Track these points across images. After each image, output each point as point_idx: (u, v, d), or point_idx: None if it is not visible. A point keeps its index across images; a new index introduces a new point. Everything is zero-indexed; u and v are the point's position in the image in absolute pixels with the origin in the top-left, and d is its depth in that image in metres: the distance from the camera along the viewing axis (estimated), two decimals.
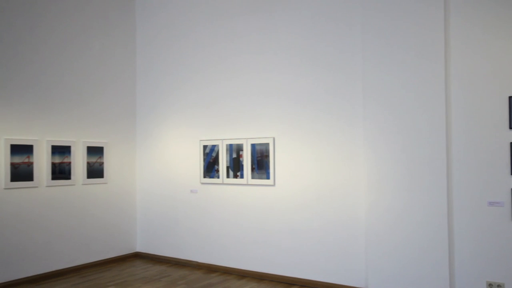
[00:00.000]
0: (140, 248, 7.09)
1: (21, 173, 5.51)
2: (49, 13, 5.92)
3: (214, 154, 6.09)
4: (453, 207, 4.17)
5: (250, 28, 5.81)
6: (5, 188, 5.35)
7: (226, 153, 5.95)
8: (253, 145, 5.68)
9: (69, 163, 6.09)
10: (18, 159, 5.47)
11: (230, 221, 5.95)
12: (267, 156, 5.56)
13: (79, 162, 6.24)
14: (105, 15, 6.70)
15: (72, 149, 6.13)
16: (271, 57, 5.60)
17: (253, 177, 5.69)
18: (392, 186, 4.45)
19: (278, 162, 5.50)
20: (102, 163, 6.56)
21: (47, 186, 5.81)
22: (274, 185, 5.52)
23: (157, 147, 6.88)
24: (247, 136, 5.79)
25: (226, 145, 5.95)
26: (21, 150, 5.51)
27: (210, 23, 6.25)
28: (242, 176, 5.80)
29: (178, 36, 6.64)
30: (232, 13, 6.00)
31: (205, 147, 6.20)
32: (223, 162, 6.00)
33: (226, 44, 6.07)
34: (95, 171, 6.44)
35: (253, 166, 5.69)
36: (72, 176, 6.12)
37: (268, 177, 5.54)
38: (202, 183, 6.26)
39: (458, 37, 4.20)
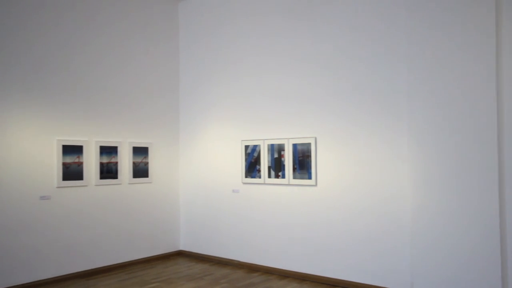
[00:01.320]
0: (183, 246, 7.23)
1: (72, 172, 5.76)
2: (96, 20, 6.16)
3: (255, 154, 6.13)
4: (506, 209, 3.99)
5: (295, 32, 5.80)
6: (57, 187, 5.61)
7: (268, 153, 5.97)
8: (294, 145, 5.67)
9: (116, 163, 6.31)
10: (69, 159, 5.73)
11: (272, 221, 5.96)
12: (309, 156, 5.53)
13: (125, 162, 6.45)
14: (149, 19, 6.90)
15: (119, 149, 6.35)
16: (313, 58, 5.57)
17: (294, 177, 5.68)
18: (439, 187, 4.31)
19: (320, 162, 5.47)
20: (147, 163, 6.75)
21: (95, 185, 6.05)
22: (316, 185, 5.48)
23: (199, 148, 7.00)
24: (288, 136, 5.79)
25: (268, 145, 5.97)
26: (72, 150, 5.76)
27: (253, 25, 6.30)
28: (283, 176, 5.80)
29: (220, 38, 6.73)
30: (276, 15, 6.02)
31: (246, 147, 6.24)
32: (264, 162, 6.02)
33: (268, 46, 6.09)
34: (140, 171, 6.64)
35: (295, 166, 5.67)
36: (119, 176, 6.33)
37: (309, 177, 5.51)
38: (244, 183, 6.31)
39: (510, 33, 4.01)
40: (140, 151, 6.65)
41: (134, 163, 6.55)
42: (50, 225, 5.53)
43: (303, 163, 5.59)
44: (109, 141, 6.22)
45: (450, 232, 4.23)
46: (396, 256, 4.80)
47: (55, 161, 5.60)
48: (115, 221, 6.28)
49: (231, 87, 6.54)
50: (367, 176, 5.05)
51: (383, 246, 4.90)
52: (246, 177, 6.26)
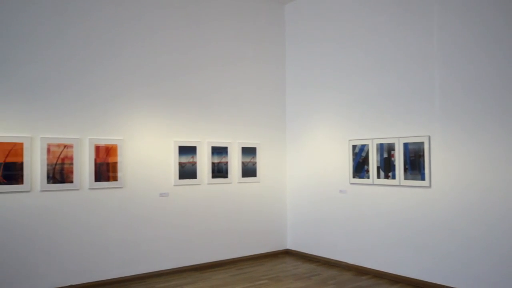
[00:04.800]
0: (290, 245, 7.30)
1: (187, 171, 6.16)
2: (206, 25, 6.51)
3: (363, 154, 5.96)
4: None
5: (402, 26, 5.54)
6: (174, 185, 6.04)
7: (376, 153, 5.77)
8: (405, 144, 5.40)
9: (226, 162, 6.60)
10: (184, 159, 6.14)
11: (381, 223, 5.74)
12: (422, 155, 5.22)
13: (234, 162, 6.71)
14: (256, 22, 7.10)
15: (229, 150, 6.63)
16: (423, 52, 5.25)
17: (405, 178, 5.40)
18: None
19: (434, 162, 5.13)
20: (255, 163, 6.96)
21: (208, 184, 6.39)
22: (430, 186, 5.16)
23: (306, 147, 7.01)
24: (399, 135, 5.53)
25: (377, 144, 5.77)
26: (187, 151, 6.17)
27: (359, 24, 6.15)
28: (393, 177, 5.55)
29: (326, 38, 6.68)
30: (382, 12, 5.80)
31: (354, 146, 6.10)
32: (373, 162, 5.83)
33: (375, 43, 5.89)
34: (249, 171, 6.86)
35: (406, 166, 5.40)
36: (229, 175, 6.62)
37: (423, 178, 5.20)
38: (351, 183, 6.17)
39: None
40: (249, 151, 6.88)
41: (243, 163, 6.80)
42: (168, 220, 5.98)
43: (415, 163, 5.30)
44: (220, 142, 6.53)
45: None
46: None
47: (172, 161, 6.05)
48: (226, 218, 6.57)
49: (338, 86, 6.45)
50: (489, 177, 4.60)
51: (508, 256, 4.43)
52: (353, 177, 6.12)
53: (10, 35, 4.88)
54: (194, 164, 6.25)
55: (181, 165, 6.11)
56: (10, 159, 4.80)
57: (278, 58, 7.40)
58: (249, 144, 6.89)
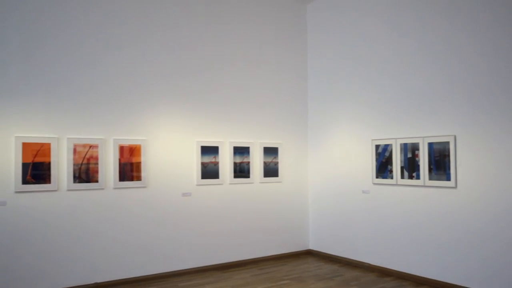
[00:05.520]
0: (312, 245, 7.27)
1: (209, 171, 6.20)
2: (227, 26, 6.53)
3: (387, 154, 5.88)
4: None
5: (427, 23, 5.44)
6: (196, 185, 6.09)
7: (400, 153, 5.69)
8: (430, 144, 5.31)
9: (248, 162, 6.62)
10: (206, 159, 6.18)
11: (405, 224, 5.66)
12: (447, 155, 5.12)
13: (256, 162, 6.72)
14: (278, 22, 7.09)
15: (251, 150, 6.64)
16: (449, 49, 5.15)
17: (430, 178, 5.31)
18: None
19: (460, 162, 5.02)
20: (277, 163, 6.95)
21: (230, 184, 6.42)
22: (455, 187, 5.05)
23: (328, 147, 6.97)
24: (423, 135, 5.44)
25: (400, 144, 5.69)
26: (209, 151, 6.21)
27: (381, 22, 6.07)
28: (418, 177, 5.46)
29: (348, 38, 6.63)
30: (405, 10, 5.72)
31: (377, 146, 6.03)
32: (397, 162, 5.75)
33: (398, 41, 5.81)
34: (270, 171, 6.86)
35: (431, 167, 5.30)
36: (250, 175, 6.63)
37: (448, 178, 5.10)
38: (374, 184, 6.10)
39: None
40: (270, 151, 6.88)
41: (265, 162, 6.80)
42: (190, 219, 6.03)
43: (440, 163, 5.21)
44: (242, 142, 6.55)
45: None
46: None
47: (195, 161, 6.10)
48: (247, 218, 6.59)
49: (360, 86, 6.39)
50: None
51: None
52: (376, 177, 6.05)
53: (37, 37, 5.00)
54: (216, 164, 6.28)
55: (204, 165, 6.15)
56: (38, 159, 4.92)
57: (300, 57, 7.37)
58: (271, 144, 6.89)
